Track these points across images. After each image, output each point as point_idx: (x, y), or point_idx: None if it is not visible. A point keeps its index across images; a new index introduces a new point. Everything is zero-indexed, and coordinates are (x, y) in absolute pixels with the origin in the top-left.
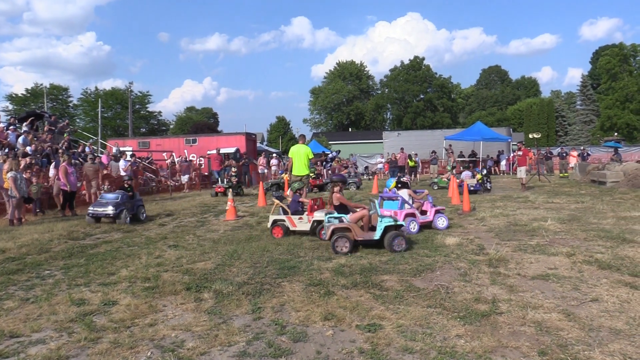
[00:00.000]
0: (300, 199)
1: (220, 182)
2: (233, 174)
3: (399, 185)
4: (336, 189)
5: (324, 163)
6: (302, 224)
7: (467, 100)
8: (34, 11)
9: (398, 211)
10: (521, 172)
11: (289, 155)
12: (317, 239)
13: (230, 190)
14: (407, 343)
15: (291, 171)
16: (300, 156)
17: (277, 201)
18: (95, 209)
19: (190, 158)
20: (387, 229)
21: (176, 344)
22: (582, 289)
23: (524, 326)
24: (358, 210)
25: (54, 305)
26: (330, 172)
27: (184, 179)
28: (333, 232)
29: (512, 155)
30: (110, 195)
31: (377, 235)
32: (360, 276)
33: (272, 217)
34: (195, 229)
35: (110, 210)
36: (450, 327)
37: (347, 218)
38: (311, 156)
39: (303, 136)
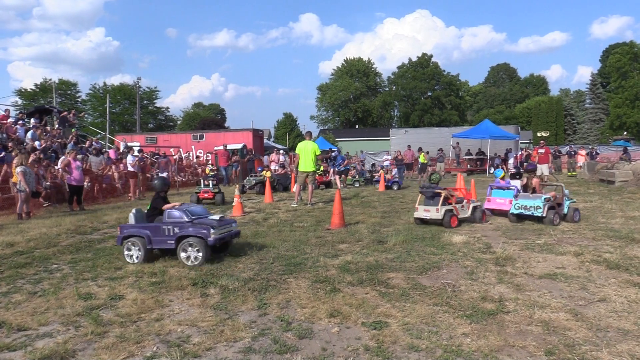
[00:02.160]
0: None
1: (210, 186)
2: (210, 174)
3: (515, 176)
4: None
5: (329, 160)
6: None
7: (475, 98)
8: (44, 6)
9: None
10: (543, 169)
11: (296, 151)
12: (323, 235)
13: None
14: (412, 341)
15: (297, 167)
16: (307, 152)
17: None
18: None
19: (175, 154)
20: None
21: (182, 339)
22: (590, 289)
23: (531, 325)
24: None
25: (61, 299)
26: (336, 169)
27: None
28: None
29: (519, 153)
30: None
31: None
32: (367, 273)
33: (444, 208)
34: None
35: None
36: (456, 325)
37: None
38: (318, 152)
39: (310, 133)
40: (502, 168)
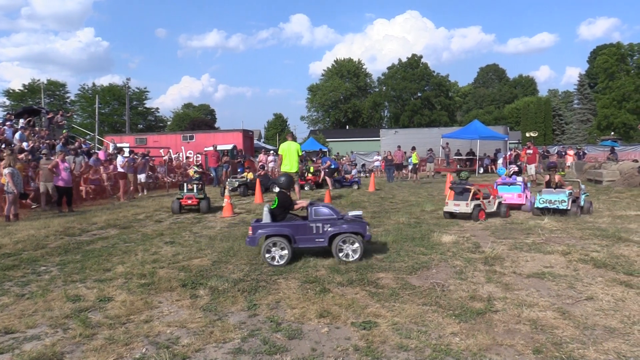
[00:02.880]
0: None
1: (194, 190)
2: (195, 176)
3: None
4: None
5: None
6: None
7: (464, 98)
8: (32, 6)
9: (521, 193)
10: (531, 169)
11: (280, 152)
12: None
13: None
14: (402, 341)
15: (281, 168)
16: (291, 153)
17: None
18: None
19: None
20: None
21: (171, 340)
22: (577, 288)
23: (519, 324)
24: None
25: (49, 302)
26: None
27: (141, 177)
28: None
29: (509, 153)
30: None
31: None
32: (356, 274)
33: (473, 203)
34: (191, 225)
35: None
36: (445, 324)
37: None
38: (300, 153)
39: (291, 133)
40: (504, 167)
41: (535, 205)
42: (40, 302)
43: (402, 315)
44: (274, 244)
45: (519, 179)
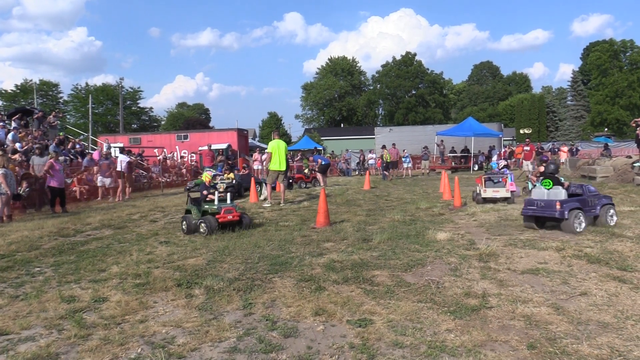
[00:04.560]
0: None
1: (227, 202)
2: (228, 180)
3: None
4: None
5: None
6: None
7: (458, 95)
8: (24, 6)
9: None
10: (527, 165)
11: (269, 150)
12: (308, 234)
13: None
14: (397, 338)
15: (271, 166)
16: (281, 151)
17: None
18: None
19: (117, 153)
20: None
21: (167, 340)
22: (571, 283)
23: (514, 320)
24: None
25: (43, 303)
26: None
27: (106, 182)
28: None
29: (503, 150)
30: None
31: None
32: (352, 271)
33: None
34: None
35: None
36: (440, 321)
37: None
38: (286, 151)
39: (277, 131)
40: (498, 163)
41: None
42: (35, 303)
43: (398, 313)
44: (575, 217)
45: (507, 171)
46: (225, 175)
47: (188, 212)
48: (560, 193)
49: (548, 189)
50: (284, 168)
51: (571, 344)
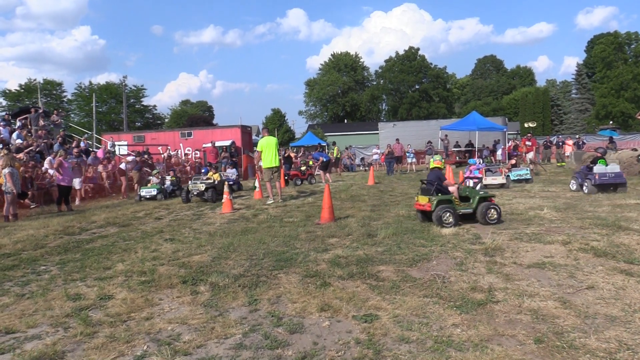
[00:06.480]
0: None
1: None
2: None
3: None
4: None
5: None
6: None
7: (462, 90)
8: (27, 5)
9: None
10: (529, 156)
11: (259, 148)
12: (313, 230)
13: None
14: (403, 333)
15: (262, 163)
16: (271, 148)
17: None
18: None
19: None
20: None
21: (172, 337)
22: (577, 277)
23: (520, 314)
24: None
25: (49, 301)
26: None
27: (75, 184)
28: None
29: (508, 145)
30: None
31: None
32: (357, 267)
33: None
34: (191, 222)
35: None
36: (446, 316)
37: None
38: (277, 146)
39: (267, 128)
40: (492, 158)
41: (512, 178)
42: (41, 302)
43: (403, 308)
44: None
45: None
46: (211, 174)
47: None
48: (616, 167)
49: (606, 166)
50: (276, 164)
51: (578, 338)
